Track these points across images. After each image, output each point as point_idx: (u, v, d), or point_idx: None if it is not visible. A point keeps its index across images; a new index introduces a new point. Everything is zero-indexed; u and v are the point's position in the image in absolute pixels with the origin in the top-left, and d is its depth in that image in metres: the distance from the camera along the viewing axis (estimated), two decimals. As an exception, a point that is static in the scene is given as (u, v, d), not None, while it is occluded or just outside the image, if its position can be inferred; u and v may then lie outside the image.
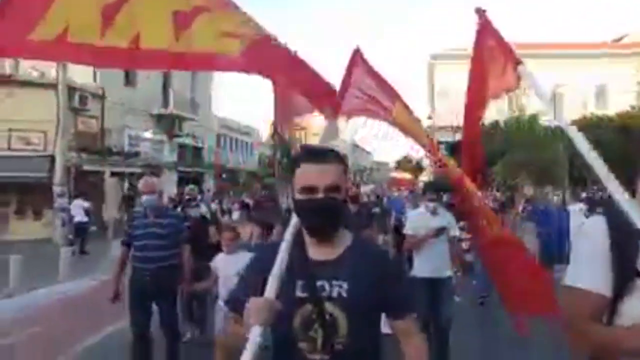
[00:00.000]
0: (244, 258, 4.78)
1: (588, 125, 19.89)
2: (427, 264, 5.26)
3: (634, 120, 23.89)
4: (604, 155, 1.70)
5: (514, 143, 21.71)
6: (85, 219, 16.18)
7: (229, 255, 4.77)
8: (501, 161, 22.00)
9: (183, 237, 4.99)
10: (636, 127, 23.10)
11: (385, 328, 1.80)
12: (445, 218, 5.40)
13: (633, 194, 1.53)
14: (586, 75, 31.51)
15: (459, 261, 5.85)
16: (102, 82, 22.75)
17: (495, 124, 25.10)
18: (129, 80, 25.18)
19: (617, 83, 31.13)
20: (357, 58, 1.77)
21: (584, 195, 21.91)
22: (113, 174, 22.83)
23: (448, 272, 5.33)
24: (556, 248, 7.68)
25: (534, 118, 24.13)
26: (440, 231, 5.21)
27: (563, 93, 30.27)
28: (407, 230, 5.54)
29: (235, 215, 6.27)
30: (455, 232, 5.42)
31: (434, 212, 5.37)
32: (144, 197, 4.83)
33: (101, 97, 22.68)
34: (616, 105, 29.14)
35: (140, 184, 5.01)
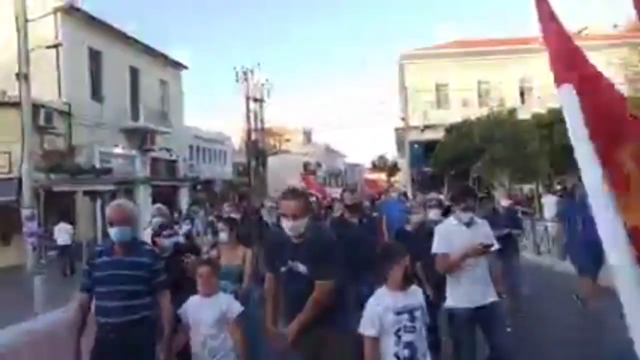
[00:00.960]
0: (225, 300, 3.88)
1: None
2: (466, 291, 4.26)
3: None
4: None
5: (493, 139, 21.50)
6: (69, 241, 17.08)
7: (204, 298, 3.83)
8: (481, 158, 21.88)
9: (161, 281, 3.76)
10: None
11: None
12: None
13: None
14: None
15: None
16: (67, 98, 21.87)
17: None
18: (96, 94, 24.33)
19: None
20: (544, 9, 1.36)
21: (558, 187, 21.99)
22: (85, 192, 21.96)
23: (492, 297, 4.30)
24: None
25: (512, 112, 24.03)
26: (487, 247, 4.27)
27: (531, 87, 30.55)
28: (439, 248, 4.41)
29: (223, 235, 5.63)
30: (497, 246, 4.42)
31: (469, 225, 4.42)
32: (114, 229, 3.62)
33: (68, 114, 21.81)
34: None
35: (110, 211, 3.72)
